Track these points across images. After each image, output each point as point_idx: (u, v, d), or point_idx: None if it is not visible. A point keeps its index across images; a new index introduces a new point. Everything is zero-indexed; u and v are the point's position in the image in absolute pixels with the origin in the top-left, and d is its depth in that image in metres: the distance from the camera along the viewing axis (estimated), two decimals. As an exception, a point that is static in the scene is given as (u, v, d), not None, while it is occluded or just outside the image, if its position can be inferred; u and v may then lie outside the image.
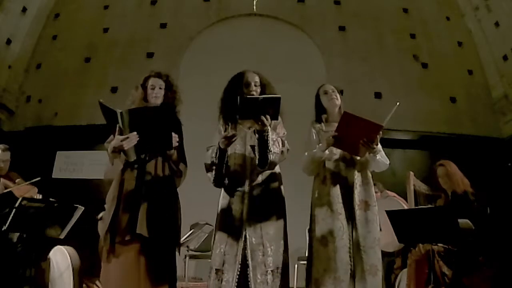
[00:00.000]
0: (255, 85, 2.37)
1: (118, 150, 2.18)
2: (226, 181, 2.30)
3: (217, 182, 2.31)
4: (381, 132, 2.24)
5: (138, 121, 2.14)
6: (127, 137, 2.12)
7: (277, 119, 2.21)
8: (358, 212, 2.31)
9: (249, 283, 2.13)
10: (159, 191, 2.26)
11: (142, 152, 2.24)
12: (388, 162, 2.44)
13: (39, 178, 3.20)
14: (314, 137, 2.50)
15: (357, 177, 2.39)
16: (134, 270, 2.14)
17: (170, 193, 2.32)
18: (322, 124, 2.53)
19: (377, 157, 2.36)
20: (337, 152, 2.42)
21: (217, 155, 2.23)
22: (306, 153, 2.45)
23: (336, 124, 2.39)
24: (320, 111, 2.57)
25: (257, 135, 2.18)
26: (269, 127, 2.16)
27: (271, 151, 2.20)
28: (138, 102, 2.44)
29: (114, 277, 2.13)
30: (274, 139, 2.23)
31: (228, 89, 2.42)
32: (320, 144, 2.38)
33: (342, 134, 2.25)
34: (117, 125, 2.14)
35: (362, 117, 2.19)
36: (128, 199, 2.22)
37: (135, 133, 2.13)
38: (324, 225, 2.30)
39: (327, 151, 2.37)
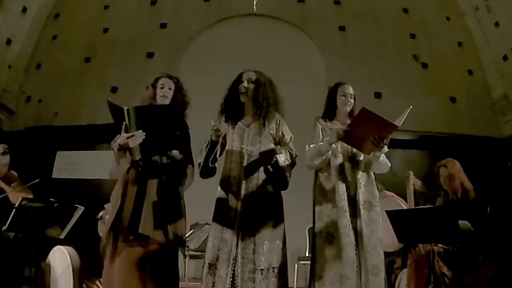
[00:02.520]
0: (248, 82, 2.41)
1: (123, 148, 2.18)
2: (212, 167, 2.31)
3: (203, 173, 2.33)
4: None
5: (144, 119, 2.14)
6: (133, 135, 2.13)
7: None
8: (362, 212, 2.31)
9: (235, 278, 2.12)
10: (163, 191, 2.26)
11: (147, 150, 2.24)
12: (389, 164, 2.44)
13: (39, 180, 3.17)
14: (320, 133, 2.49)
15: (361, 176, 2.40)
16: (136, 270, 2.14)
17: (173, 193, 2.32)
18: (327, 121, 2.52)
19: (380, 158, 2.37)
20: (341, 149, 2.42)
21: (207, 146, 2.26)
22: (311, 146, 2.43)
23: (340, 124, 2.43)
24: (331, 108, 2.56)
25: (271, 169, 2.28)
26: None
27: (288, 176, 2.33)
28: (148, 101, 2.46)
29: (117, 276, 2.14)
30: (284, 159, 2.32)
31: (229, 89, 2.48)
32: (327, 138, 2.37)
33: (354, 129, 2.24)
34: (124, 123, 2.14)
35: (379, 115, 2.17)
36: (131, 198, 2.22)
37: (140, 131, 2.13)
38: (330, 221, 2.30)
39: (333, 145, 2.37)
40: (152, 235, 2.15)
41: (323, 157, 2.38)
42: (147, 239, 2.15)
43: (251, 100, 2.41)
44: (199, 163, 2.34)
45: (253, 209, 2.24)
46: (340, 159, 2.41)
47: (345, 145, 2.40)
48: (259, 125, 2.39)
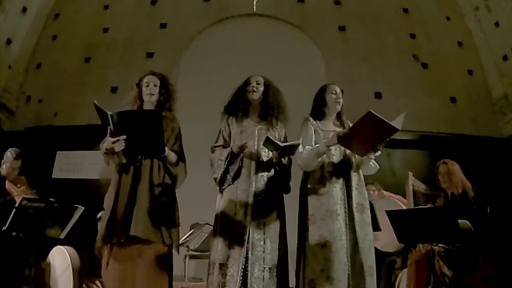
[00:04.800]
0: (257, 83, 2.49)
1: (110, 152, 2.23)
2: (231, 181, 2.35)
3: (221, 182, 2.38)
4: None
5: (126, 124, 2.16)
6: (118, 140, 2.15)
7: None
8: (356, 215, 2.33)
9: (247, 277, 2.15)
10: (154, 193, 2.27)
11: (132, 154, 2.26)
12: (378, 167, 2.46)
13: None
14: (312, 133, 2.48)
15: (354, 179, 2.41)
16: (130, 271, 2.16)
17: (166, 194, 2.33)
18: (317, 121, 2.52)
19: (372, 160, 2.39)
20: (334, 151, 2.42)
21: (228, 159, 2.33)
22: (306, 147, 2.42)
23: (330, 123, 2.48)
24: (320, 108, 2.56)
25: (278, 168, 2.40)
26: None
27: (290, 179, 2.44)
28: (133, 101, 2.46)
29: (113, 277, 2.17)
30: (286, 162, 2.44)
31: (235, 93, 2.56)
32: (325, 140, 2.37)
33: (355, 132, 2.24)
34: (108, 127, 2.17)
35: (384, 119, 2.16)
36: (123, 201, 2.24)
37: (124, 136, 2.15)
38: (323, 225, 2.29)
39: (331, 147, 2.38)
40: (145, 236, 2.17)
41: (319, 159, 2.39)
42: (140, 240, 2.17)
43: (260, 101, 2.48)
44: (215, 178, 2.38)
45: (263, 207, 2.29)
46: (333, 161, 2.41)
47: (338, 146, 2.40)
48: (267, 125, 2.46)
